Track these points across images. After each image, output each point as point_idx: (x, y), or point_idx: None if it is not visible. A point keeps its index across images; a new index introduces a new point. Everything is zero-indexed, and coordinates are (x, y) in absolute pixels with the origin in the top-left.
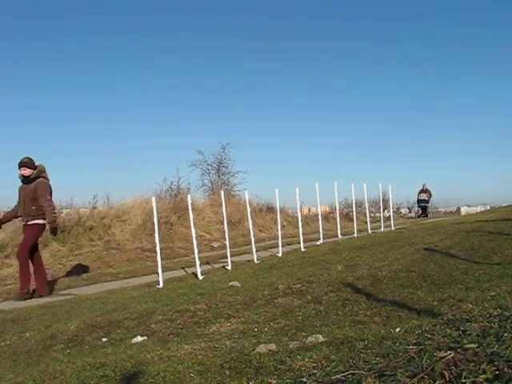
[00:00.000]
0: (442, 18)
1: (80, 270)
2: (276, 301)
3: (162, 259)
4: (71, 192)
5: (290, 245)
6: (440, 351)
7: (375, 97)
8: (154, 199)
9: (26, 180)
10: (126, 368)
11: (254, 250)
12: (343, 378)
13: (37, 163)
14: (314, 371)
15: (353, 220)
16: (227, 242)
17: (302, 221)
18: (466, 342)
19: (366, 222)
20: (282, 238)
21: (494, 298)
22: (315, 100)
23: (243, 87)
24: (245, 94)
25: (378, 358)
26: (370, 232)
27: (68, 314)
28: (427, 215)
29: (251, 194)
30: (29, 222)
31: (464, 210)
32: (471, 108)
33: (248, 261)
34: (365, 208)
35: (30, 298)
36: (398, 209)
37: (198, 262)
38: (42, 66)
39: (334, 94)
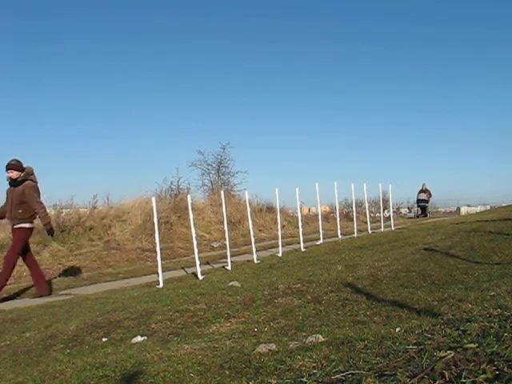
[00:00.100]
0: (442, 18)
1: (80, 270)
2: (276, 301)
3: (161, 259)
4: (71, 192)
5: (289, 245)
6: (440, 351)
7: (375, 97)
8: (153, 199)
9: (13, 183)
10: (125, 368)
11: (253, 249)
12: (343, 378)
13: (25, 165)
14: (314, 371)
15: (353, 220)
16: (227, 242)
17: (301, 221)
18: (466, 341)
19: (366, 222)
20: (282, 237)
21: (494, 297)
22: (315, 100)
23: (243, 87)
24: (245, 93)
25: (377, 358)
26: (369, 232)
27: (68, 313)
28: (426, 215)
29: (251, 194)
30: (15, 226)
31: (464, 210)
32: (471, 108)
33: (248, 261)
34: (365, 208)
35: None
36: (398, 209)
37: (197, 262)
38: (41, 65)
39: (334, 93)
